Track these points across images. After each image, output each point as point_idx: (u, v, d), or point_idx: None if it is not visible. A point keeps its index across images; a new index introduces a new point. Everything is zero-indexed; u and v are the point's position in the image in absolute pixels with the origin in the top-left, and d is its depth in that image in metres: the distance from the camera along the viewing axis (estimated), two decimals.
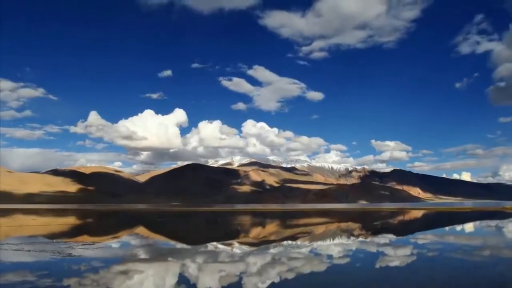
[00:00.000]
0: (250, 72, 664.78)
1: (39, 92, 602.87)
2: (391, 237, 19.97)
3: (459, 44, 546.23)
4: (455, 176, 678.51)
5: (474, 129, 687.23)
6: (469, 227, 28.69)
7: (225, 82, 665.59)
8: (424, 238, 19.80)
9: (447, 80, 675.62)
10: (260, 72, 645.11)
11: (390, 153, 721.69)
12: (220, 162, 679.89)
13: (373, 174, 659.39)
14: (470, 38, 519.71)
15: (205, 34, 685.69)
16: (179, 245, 17.50)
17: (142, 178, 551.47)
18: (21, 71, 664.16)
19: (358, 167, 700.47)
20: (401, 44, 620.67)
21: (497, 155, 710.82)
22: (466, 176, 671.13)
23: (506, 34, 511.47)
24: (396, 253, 13.40)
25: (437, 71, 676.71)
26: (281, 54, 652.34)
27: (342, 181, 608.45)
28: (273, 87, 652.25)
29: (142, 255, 13.64)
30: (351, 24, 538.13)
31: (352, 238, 19.53)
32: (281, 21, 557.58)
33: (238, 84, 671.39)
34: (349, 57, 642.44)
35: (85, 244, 15.62)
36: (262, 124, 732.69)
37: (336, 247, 15.47)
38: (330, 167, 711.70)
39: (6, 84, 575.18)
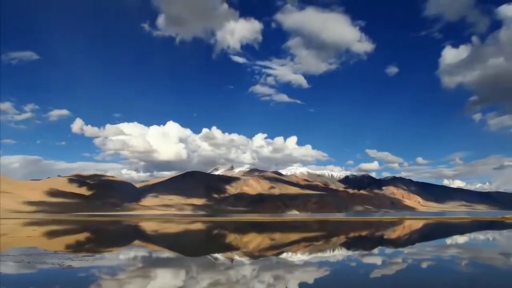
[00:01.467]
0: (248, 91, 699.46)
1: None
2: (389, 249, 20.00)
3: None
4: (446, 182, 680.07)
5: (454, 140, 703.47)
6: (469, 237, 28.67)
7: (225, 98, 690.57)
8: (424, 249, 19.83)
9: (428, 96, 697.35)
10: (257, 89, 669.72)
11: (380, 164, 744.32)
12: (220, 170, 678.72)
13: (373, 181, 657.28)
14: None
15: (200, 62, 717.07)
16: (176, 256, 17.55)
17: (143, 186, 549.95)
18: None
19: (358, 175, 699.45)
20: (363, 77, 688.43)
21: (480, 164, 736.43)
22: (460, 185, 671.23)
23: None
24: (394, 269, 13.45)
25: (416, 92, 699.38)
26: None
27: (342, 189, 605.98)
28: (269, 102, 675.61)
29: (142, 265, 13.69)
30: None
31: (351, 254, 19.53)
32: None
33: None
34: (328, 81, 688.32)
35: (85, 256, 15.64)
36: (262, 134, 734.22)
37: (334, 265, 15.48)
38: (330, 175, 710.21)
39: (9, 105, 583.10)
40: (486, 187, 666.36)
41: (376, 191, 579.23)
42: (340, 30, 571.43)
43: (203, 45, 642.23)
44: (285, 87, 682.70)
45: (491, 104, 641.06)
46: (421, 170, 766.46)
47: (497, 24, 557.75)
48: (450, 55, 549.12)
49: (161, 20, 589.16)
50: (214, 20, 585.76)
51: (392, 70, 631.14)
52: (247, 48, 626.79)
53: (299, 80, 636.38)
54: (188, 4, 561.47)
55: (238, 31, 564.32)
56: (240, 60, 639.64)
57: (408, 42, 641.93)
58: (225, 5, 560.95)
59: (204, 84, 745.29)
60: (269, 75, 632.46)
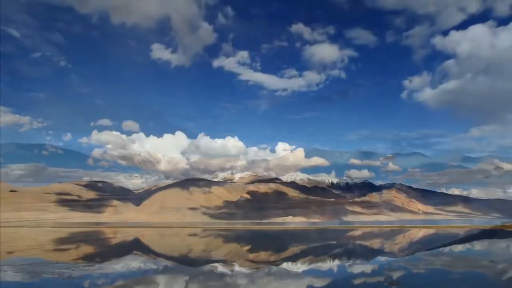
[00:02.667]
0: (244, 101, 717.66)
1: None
2: (391, 259, 20.01)
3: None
4: (440, 190, 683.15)
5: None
6: (466, 246, 28.67)
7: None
8: (428, 259, 19.84)
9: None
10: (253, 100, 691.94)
11: (375, 171, 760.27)
12: (220, 177, 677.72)
13: (373, 188, 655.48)
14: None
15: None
16: (174, 265, 17.60)
17: (143, 192, 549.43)
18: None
19: (358, 181, 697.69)
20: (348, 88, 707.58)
21: (471, 172, 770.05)
22: (456, 191, 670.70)
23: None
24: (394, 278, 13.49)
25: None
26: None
27: (342, 195, 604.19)
28: (267, 111, 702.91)
29: (141, 275, 13.73)
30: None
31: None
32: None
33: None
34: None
35: (85, 266, 15.71)
36: (261, 141, 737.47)
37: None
38: (330, 181, 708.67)
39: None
40: (477, 193, 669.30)
41: (376, 197, 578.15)
42: (327, 56, 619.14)
43: (201, 68, 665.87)
44: (281, 98, 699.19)
45: (464, 118, 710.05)
46: (413, 178, 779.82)
47: (451, 54, 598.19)
48: (415, 79, 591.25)
49: (162, 48, 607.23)
50: (216, 57, 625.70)
51: (366, 90, 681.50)
52: (243, 68, 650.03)
53: (293, 92, 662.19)
54: (191, 41, 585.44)
55: (236, 58, 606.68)
56: (237, 76, 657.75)
57: (380, 65, 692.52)
58: (230, 46, 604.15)
59: (203, 94, 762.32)
60: (263, 88, 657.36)
